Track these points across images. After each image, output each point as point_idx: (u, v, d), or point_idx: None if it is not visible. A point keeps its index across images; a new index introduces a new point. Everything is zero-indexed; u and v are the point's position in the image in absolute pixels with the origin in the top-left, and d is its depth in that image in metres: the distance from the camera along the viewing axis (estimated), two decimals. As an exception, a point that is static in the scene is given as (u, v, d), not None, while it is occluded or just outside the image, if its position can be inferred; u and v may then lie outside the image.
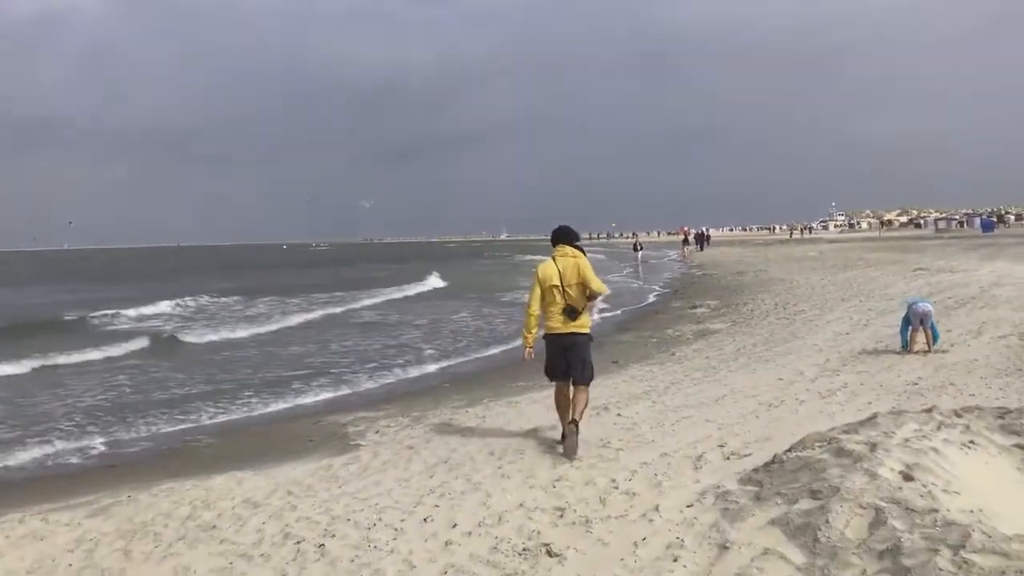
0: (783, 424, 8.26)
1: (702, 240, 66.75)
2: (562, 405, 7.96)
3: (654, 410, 9.38)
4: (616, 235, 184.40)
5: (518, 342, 9.55)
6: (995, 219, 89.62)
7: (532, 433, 8.61)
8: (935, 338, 12.03)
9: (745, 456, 7.04)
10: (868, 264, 35.72)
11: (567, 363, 7.81)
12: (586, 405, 8.01)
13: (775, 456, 6.65)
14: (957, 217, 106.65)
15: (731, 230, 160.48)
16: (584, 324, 7.78)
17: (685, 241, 64.13)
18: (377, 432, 9.54)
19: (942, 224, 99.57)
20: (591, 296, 7.74)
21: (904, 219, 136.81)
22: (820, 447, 6.41)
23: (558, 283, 7.61)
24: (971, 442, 6.38)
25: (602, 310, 25.57)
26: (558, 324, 7.71)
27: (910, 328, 12.10)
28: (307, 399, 12.74)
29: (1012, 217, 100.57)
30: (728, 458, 7.06)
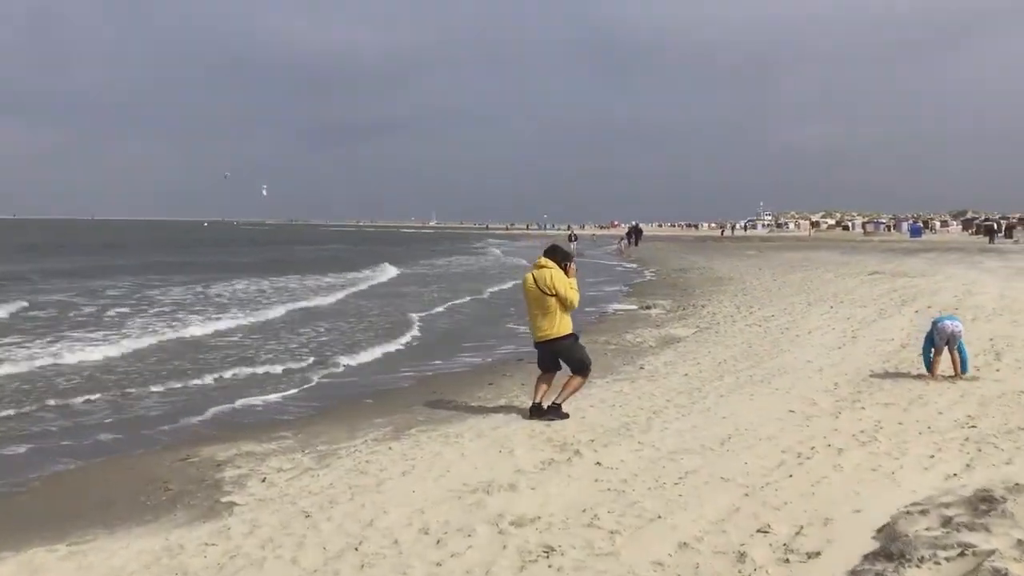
0: (833, 490, 5.93)
1: (635, 235, 65.42)
2: (539, 389, 8.72)
3: (643, 458, 6.95)
4: (548, 227, 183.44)
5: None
6: (921, 224, 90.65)
7: (482, 495, 6.09)
8: (963, 363, 9.92)
9: (811, 557, 4.65)
10: (815, 265, 34.31)
11: (555, 363, 8.79)
12: (575, 390, 8.66)
13: (864, 560, 4.30)
14: (885, 221, 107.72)
15: (660, 226, 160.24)
16: (561, 330, 8.49)
17: (627, 236, 63.51)
18: (263, 480, 6.86)
19: (870, 227, 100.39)
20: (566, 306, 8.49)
21: (831, 221, 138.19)
22: (936, 550, 4.04)
23: (534, 295, 8.53)
24: None
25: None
26: (535, 333, 8.70)
27: (933, 349, 9.98)
28: (183, 417, 9.93)
29: (938, 223, 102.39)
30: (787, 560, 4.65)
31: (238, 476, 7.02)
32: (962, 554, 3.97)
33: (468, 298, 25.31)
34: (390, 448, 7.64)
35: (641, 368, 11.48)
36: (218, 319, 19.22)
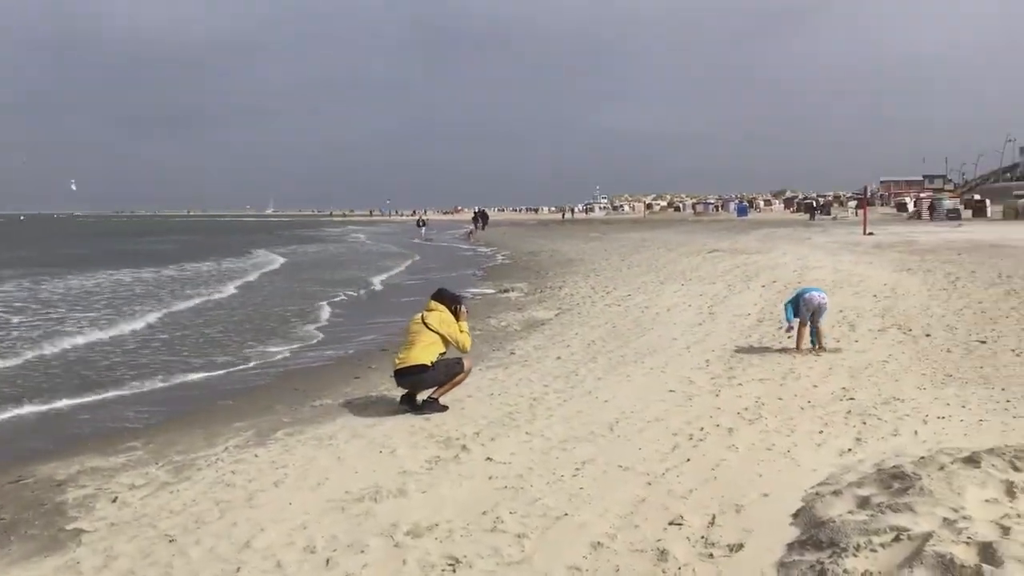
0: (734, 473, 5.78)
1: (482, 219, 65.56)
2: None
3: (534, 449, 6.60)
4: (392, 213, 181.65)
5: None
6: (747, 204, 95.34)
7: (370, 503, 5.56)
8: (812, 334, 10.12)
9: (734, 550, 4.42)
10: (657, 245, 35.22)
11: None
12: (454, 385, 8.22)
13: (790, 550, 4.11)
14: (713, 201, 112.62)
15: (501, 211, 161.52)
16: (420, 358, 8.03)
17: (474, 221, 63.75)
18: (114, 500, 6.01)
19: (699, 208, 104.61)
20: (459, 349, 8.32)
21: (663, 203, 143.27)
22: (869, 536, 3.88)
23: (412, 328, 8.30)
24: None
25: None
26: (394, 361, 8.31)
27: (798, 321, 10.15)
28: (10, 430, 8.79)
29: (761, 203, 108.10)
30: (710, 555, 4.40)
31: (83, 497, 6.14)
32: (897, 539, 3.81)
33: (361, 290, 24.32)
34: (256, 455, 6.93)
35: (512, 353, 11.16)
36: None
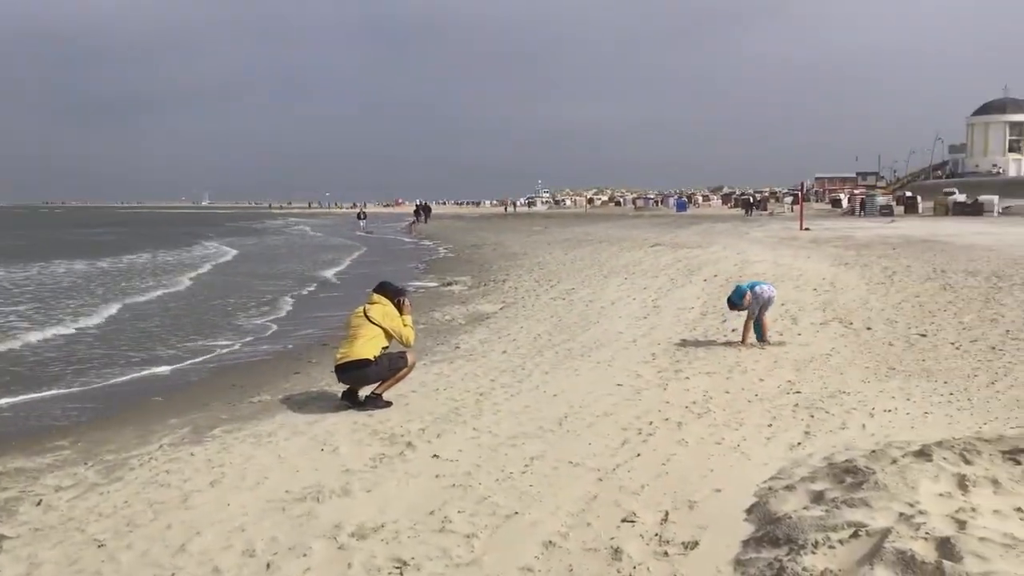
0: (685, 467, 5.70)
1: (424, 212, 65.26)
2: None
3: (482, 446, 6.44)
4: (331, 205, 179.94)
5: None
6: (686, 199, 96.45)
7: (312, 503, 5.34)
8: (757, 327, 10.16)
9: (690, 547, 4.33)
10: (599, 239, 35.28)
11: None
12: (398, 380, 7.96)
13: (746, 547, 4.04)
14: (653, 196, 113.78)
15: (443, 204, 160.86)
16: (362, 353, 7.76)
17: (416, 214, 63.59)
18: (39, 504, 5.67)
19: (640, 203, 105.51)
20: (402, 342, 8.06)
21: (604, 197, 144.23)
22: (827, 533, 3.82)
23: (353, 323, 8.02)
24: (1019, 509, 4.13)
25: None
26: (335, 356, 8.06)
27: (747, 313, 10.13)
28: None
29: (700, 198, 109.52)
30: (665, 553, 4.30)
31: (5, 501, 5.79)
32: (855, 535, 3.76)
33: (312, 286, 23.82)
34: (192, 454, 6.65)
35: (457, 347, 10.98)
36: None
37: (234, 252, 39.01)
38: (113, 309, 17.56)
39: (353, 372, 7.80)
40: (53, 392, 9.79)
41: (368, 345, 7.76)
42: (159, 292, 21.34)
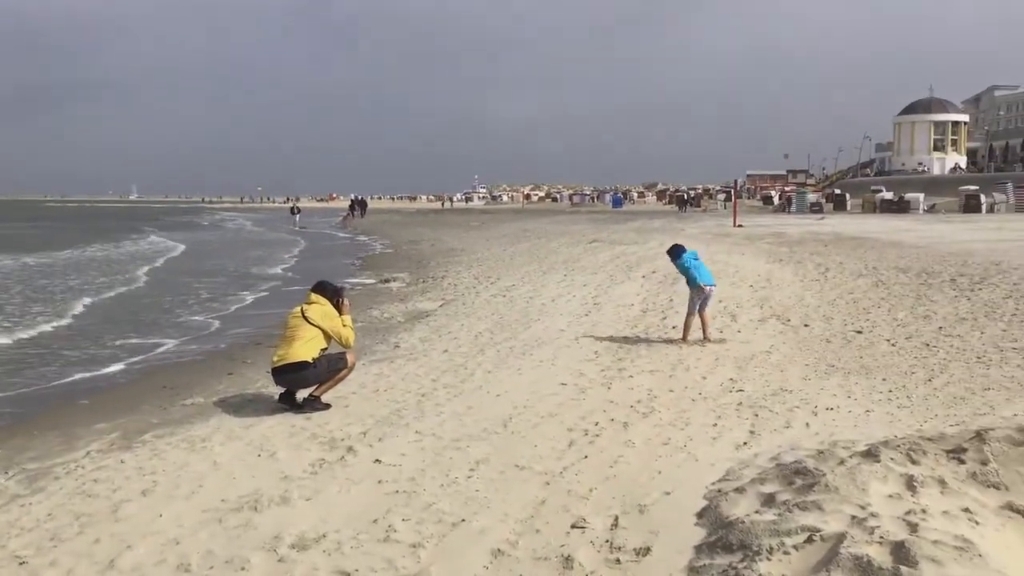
0: (633, 470, 5.64)
1: (360, 207, 64.61)
2: None
3: (425, 449, 6.28)
4: (264, 200, 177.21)
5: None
6: (622, 196, 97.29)
7: (249, 513, 5.12)
8: None
9: (641, 554, 4.26)
10: (537, 235, 35.31)
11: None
12: (337, 382, 7.80)
13: (699, 553, 3.98)
14: (589, 193, 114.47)
15: (379, 198, 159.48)
16: (300, 355, 7.52)
17: (351, 209, 63.03)
18: (-48, 518, 5.37)
19: (576, 199, 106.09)
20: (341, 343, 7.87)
21: (541, 193, 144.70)
22: (781, 538, 3.79)
23: (291, 324, 7.77)
24: (966, 509, 4.15)
25: (274, 283, 22.02)
26: (272, 359, 7.78)
27: (687, 308, 10.18)
28: None
29: (635, 194, 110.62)
30: (617, 560, 4.22)
31: (-85, 516, 5.45)
32: (810, 540, 3.71)
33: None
34: (122, 461, 6.35)
35: (397, 347, 10.78)
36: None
37: (182, 247, 38.54)
38: (78, 308, 17.07)
39: (290, 375, 7.56)
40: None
41: (306, 347, 7.52)
42: (120, 289, 20.84)
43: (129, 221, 76.47)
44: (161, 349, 12.29)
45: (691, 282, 10.15)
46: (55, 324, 14.71)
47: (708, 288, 10.04)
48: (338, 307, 7.87)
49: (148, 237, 48.19)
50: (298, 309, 7.82)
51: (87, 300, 18.28)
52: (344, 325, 7.83)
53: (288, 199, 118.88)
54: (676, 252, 10.48)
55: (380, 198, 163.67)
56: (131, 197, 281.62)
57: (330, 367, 7.65)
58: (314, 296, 7.87)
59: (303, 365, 7.49)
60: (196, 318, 15.62)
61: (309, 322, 7.63)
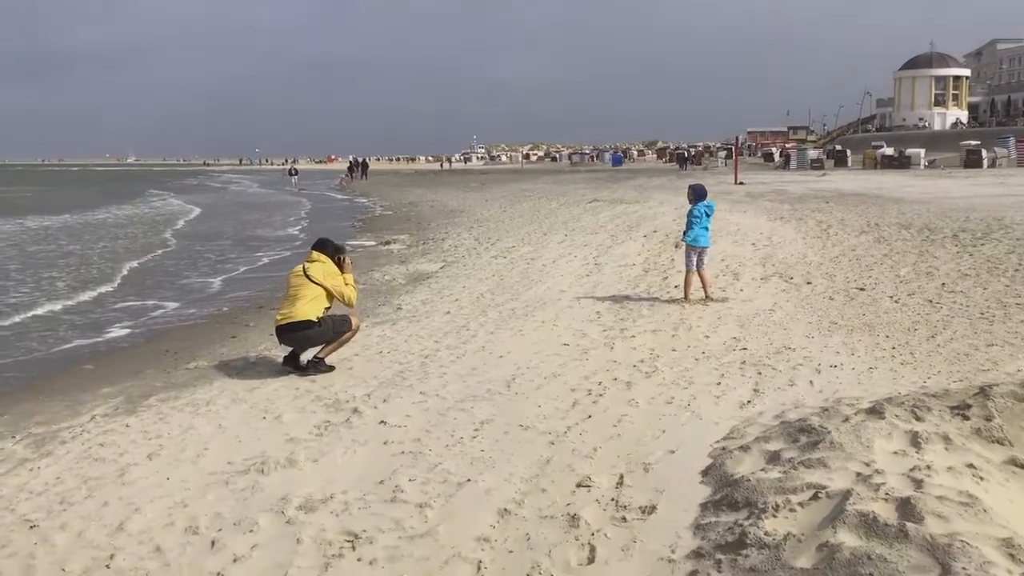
0: (638, 428, 5.66)
1: (363, 168, 64.32)
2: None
3: (430, 410, 6.30)
4: (262, 162, 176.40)
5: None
6: (622, 154, 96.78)
7: (256, 475, 5.14)
8: None
9: (647, 512, 4.28)
10: (537, 195, 35.18)
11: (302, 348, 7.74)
12: (340, 344, 7.77)
13: (705, 511, 4.00)
14: (588, 152, 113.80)
15: (378, 160, 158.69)
16: (304, 314, 7.50)
17: (350, 170, 62.80)
18: (-39, 482, 5.40)
19: (576, 158, 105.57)
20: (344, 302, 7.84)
21: (540, 153, 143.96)
22: (787, 495, 3.80)
23: (293, 283, 7.71)
24: (971, 465, 4.17)
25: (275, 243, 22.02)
26: (276, 318, 7.77)
27: (685, 267, 10.16)
28: None
29: (635, 152, 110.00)
30: (623, 518, 4.24)
31: (-76, 481, 5.48)
32: (815, 497, 3.73)
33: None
34: (127, 425, 6.37)
35: (399, 308, 10.78)
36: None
37: (197, 210, 39.15)
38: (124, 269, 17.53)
39: (295, 334, 7.54)
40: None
41: (310, 306, 7.50)
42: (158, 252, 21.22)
43: (139, 184, 76.48)
44: (158, 312, 12.28)
45: (685, 232, 10.07)
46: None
47: (696, 248, 9.94)
48: (340, 265, 7.84)
49: (166, 199, 49.69)
50: (299, 268, 7.78)
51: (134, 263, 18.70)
52: (346, 284, 7.80)
53: (286, 160, 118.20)
54: (698, 193, 10.21)
55: (379, 159, 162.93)
56: (128, 160, 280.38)
57: (335, 328, 7.64)
58: (316, 254, 7.81)
59: (308, 324, 7.47)
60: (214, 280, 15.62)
61: (311, 280, 7.59)
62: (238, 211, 39.13)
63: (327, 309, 7.66)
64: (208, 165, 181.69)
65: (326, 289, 7.61)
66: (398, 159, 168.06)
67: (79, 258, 19.81)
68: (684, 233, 10.07)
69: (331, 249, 7.88)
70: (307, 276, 7.62)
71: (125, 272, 17.14)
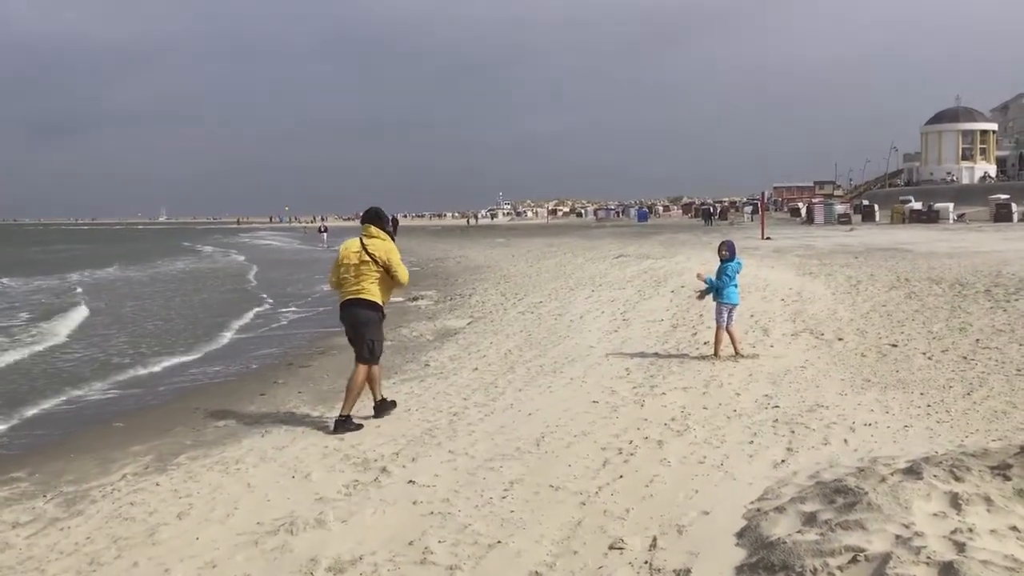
0: (670, 489, 5.58)
1: (393, 225, 64.96)
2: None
3: (459, 469, 6.26)
4: (291, 220, 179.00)
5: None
6: (647, 209, 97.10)
7: (285, 535, 5.12)
8: None
9: (681, 575, 4.19)
10: (563, 250, 35.26)
11: (351, 338, 7.72)
12: (359, 391, 7.61)
13: (741, 575, 3.92)
14: (614, 207, 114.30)
15: (405, 216, 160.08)
16: (374, 295, 7.48)
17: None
18: (-9, 543, 5.41)
19: (601, 214, 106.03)
20: (396, 284, 7.68)
21: (566, 208, 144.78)
22: (824, 559, 3.71)
23: (354, 261, 7.47)
24: (1014, 528, 4.05)
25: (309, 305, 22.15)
26: (344, 290, 7.61)
27: (715, 324, 10.13)
28: None
29: (661, 208, 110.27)
30: (659, 582, 4.15)
31: (-45, 542, 5.51)
32: (854, 560, 3.65)
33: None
34: (157, 484, 6.38)
35: (427, 365, 10.78)
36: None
37: (255, 268, 40.28)
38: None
39: (360, 311, 7.46)
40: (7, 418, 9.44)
41: (378, 288, 7.49)
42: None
43: (182, 241, 78.36)
44: (181, 372, 12.36)
45: (717, 290, 10.08)
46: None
47: (727, 305, 9.95)
48: (394, 230, 7.78)
49: (228, 254, 53.78)
50: (356, 244, 7.55)
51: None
52: (401, 264, 7.68)
53: (315, 218, 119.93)
54: (731, 250, 10.23)
55: (407, 216, 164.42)
56: (160, 219, 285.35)
57: (376, 338, 7.59)
58: (373, 229, 7.59)
59: (375, 306, 7.48)
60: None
61: (375, 260, 7.44)
62: (280, 266, 41.03)
63: (385, 302, 7.65)
64: (241, 224, 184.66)
65: (386, 269, 7.47)
66: (425, 215, 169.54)
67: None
68: (718, 291, 10.04)
69: (384, 219, 7.71)
70: (369, 255, 7.45)
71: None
